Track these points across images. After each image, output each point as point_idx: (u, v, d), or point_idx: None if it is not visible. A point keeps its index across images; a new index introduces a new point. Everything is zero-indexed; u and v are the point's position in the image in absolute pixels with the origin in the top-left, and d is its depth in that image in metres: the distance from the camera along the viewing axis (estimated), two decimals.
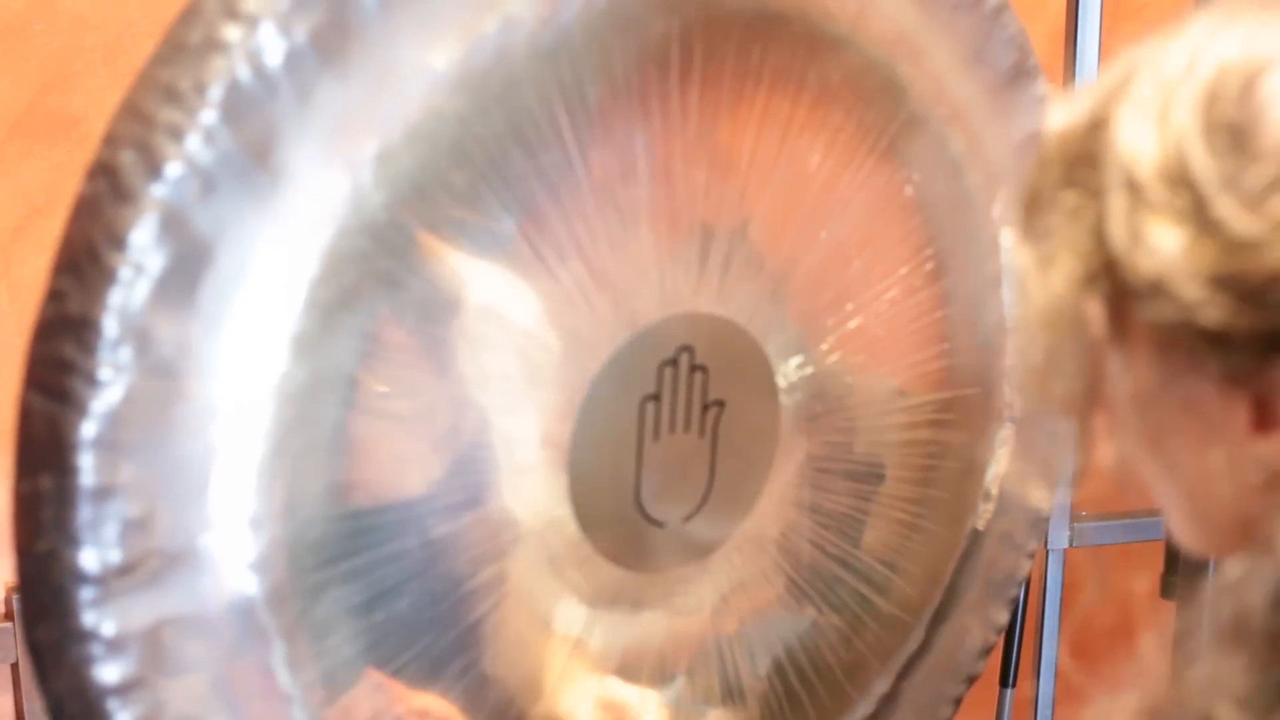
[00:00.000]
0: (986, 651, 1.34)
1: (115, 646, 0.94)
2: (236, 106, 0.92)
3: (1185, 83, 0.70)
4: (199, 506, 0.95)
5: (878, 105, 1.17)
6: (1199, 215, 0.68)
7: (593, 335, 1.08)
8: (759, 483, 1.19)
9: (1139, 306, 0.70)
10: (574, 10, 1.01)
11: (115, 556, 0.93)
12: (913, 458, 1.25)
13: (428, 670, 1.06)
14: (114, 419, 0.91)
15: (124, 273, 0.91)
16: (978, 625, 1.32)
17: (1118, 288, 0.71)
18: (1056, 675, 1.83)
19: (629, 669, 1.16)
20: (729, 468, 1.17)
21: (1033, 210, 0.74)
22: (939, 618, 1.30)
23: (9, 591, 1.61)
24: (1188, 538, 0.77)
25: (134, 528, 0.93)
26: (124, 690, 0.94)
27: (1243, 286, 0.67)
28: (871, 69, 1.16)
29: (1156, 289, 0.69)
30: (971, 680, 1.35)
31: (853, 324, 1.21)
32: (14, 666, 1.62)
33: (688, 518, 1.16)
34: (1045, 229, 0.73)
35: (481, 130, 1.00)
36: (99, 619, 0.93)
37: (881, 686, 1.28)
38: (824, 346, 1.19)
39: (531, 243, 1.04)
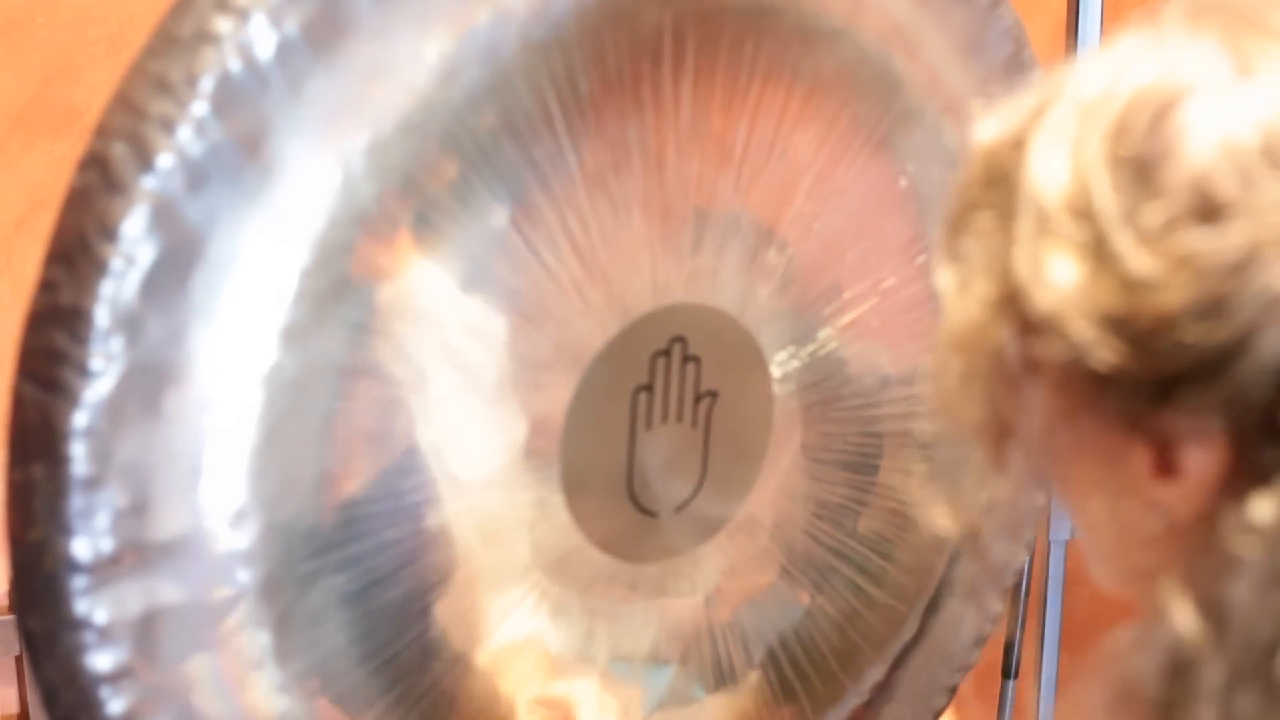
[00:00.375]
0: (982, 641, 1.35)
1: (107, 635, 0.94)
2: (228, 98, 0.92)
3: (1099, 109, 0.68)
4: (190, 496, 0.95)
5: (872, 97, 1.17)
6: (1098, 250, 0.67)
7: (585, 326, 1.09)
8: (752, 473, 1.19)
9: (1035, 341, 0.69)
10: (566, 2, 1.02)
11: (107, 545, 0.93)
12: (907, 448, 1.25)
13: (420, 659, 1.07)
14: (105, 408, 0.92)
15: (115, 263, 0.91)
16: (973, 615, 1.33)
17: (1022, 318, 0.69)
18: (1059, 667, 1.84)
19: (621, 657, 1.17)
20: (722, 458, 1.17)
21: (954, 229, 0.72)
22: (933, 607, 1.30)
23: (11, 585, 1.62)
24: (1098, 573, 0.75)
25: (125, 517, 0.94)
26: (116, 679, 0.95)
27: (1133, 329, 0.66)
28: (866, 61, 1.16)
29: (1050, 325, 0.67)
30: (967, 669, 1.35)
31: (848, 315, 1.21)
32: (18, 659, 1.63)
33: (680, 508, 1.16)
34: (964, 249, 0.71)
35: (473, 121, 1.00)
36: (91, 607, 0.94)
37: (876, 675, 1.29)
38: (819, 337, 1.19)
39: (523, 234, 1.05)
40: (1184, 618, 0.67)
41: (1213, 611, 0.66)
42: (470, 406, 1.06)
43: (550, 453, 1.09)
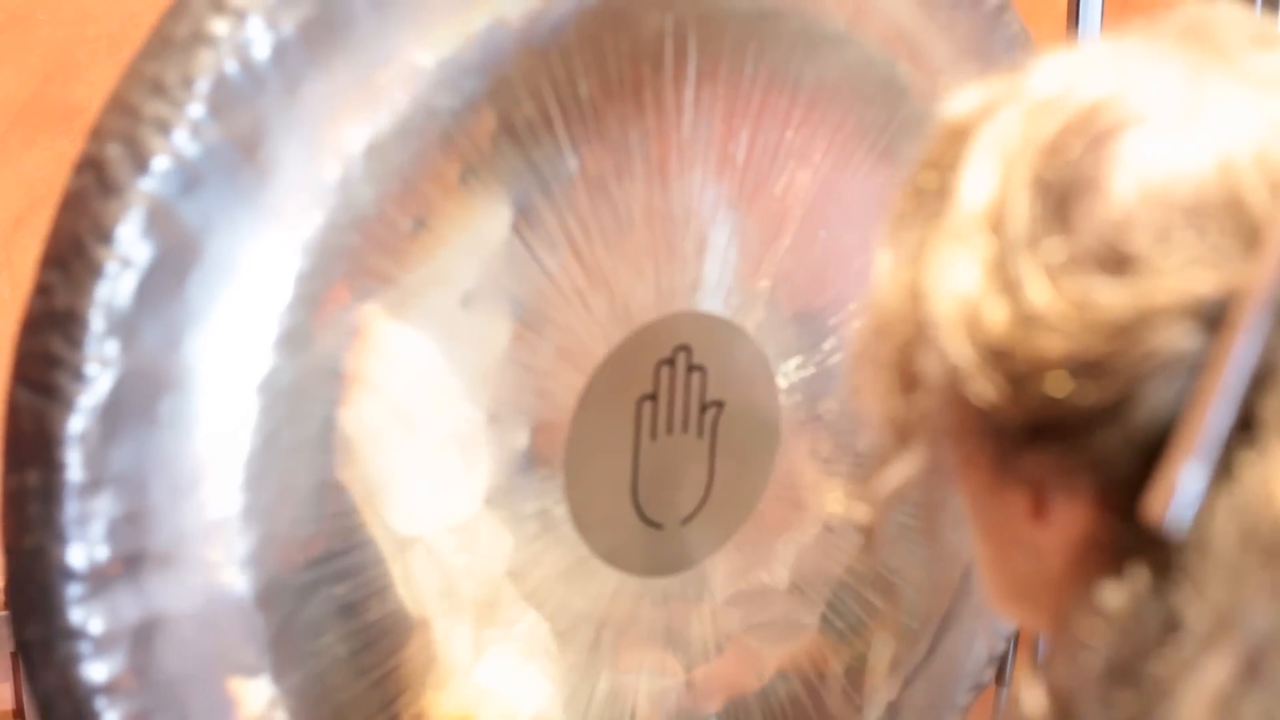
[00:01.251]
0: (995, 659, 1.33)
1: (103, 644, 0.93)
2: (223, 100, 0.92)
3: (1043, 119, 0.64)
4: (187, 503, 0.94)
5: (877, 104, 1.16)
6: (999, 271, 0.62)
7: (587, 334, 1.08)
8: (760, 484, 1.18)
9: (925, 352, 0.65)
10: (566, 6, 1.01)
11: (103, 553, 0.92)
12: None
13: (421, 670, 1.05)
14: (101, 414, 0.91)
15: (110, 267, 0.90)
16: (984, 633, 1.31)
17: (920, 322, 0.65)
18: None
19: (626, 671, 1.15)
20: (728, 469, 1.16)
21: (898, 207, 0.68)
22: (945, 625, 1.28)
23: (6, 593, 1.60)
24: (987, 594, 0.72)
25: (121, 524, 0.93)
26: (112, 689, 0.94)
27: (1012, 367, 0.62)
28: (870, 67, 1.15)
29: (936, 338, 0.64)
30: (980, 688, 1.33)
31: (855, 324, 1.20)
32: (13, 655, 1.61)
33: (686, 519, 1.15)
34: (902, 230, 0.67)
35: (472, 125, 1.00)
36: (86, 616, 0.93)
37: (888, 694, 1.27)
38: (825, 347, 1.18)
39: (524, 239, 1.04)
40: (1033, 703, 0.63)
41: (1060, 700, 0.63)
42: (472, 414, 1.05)
43: (553, 462, 1.08)
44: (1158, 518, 0.60)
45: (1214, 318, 0.60)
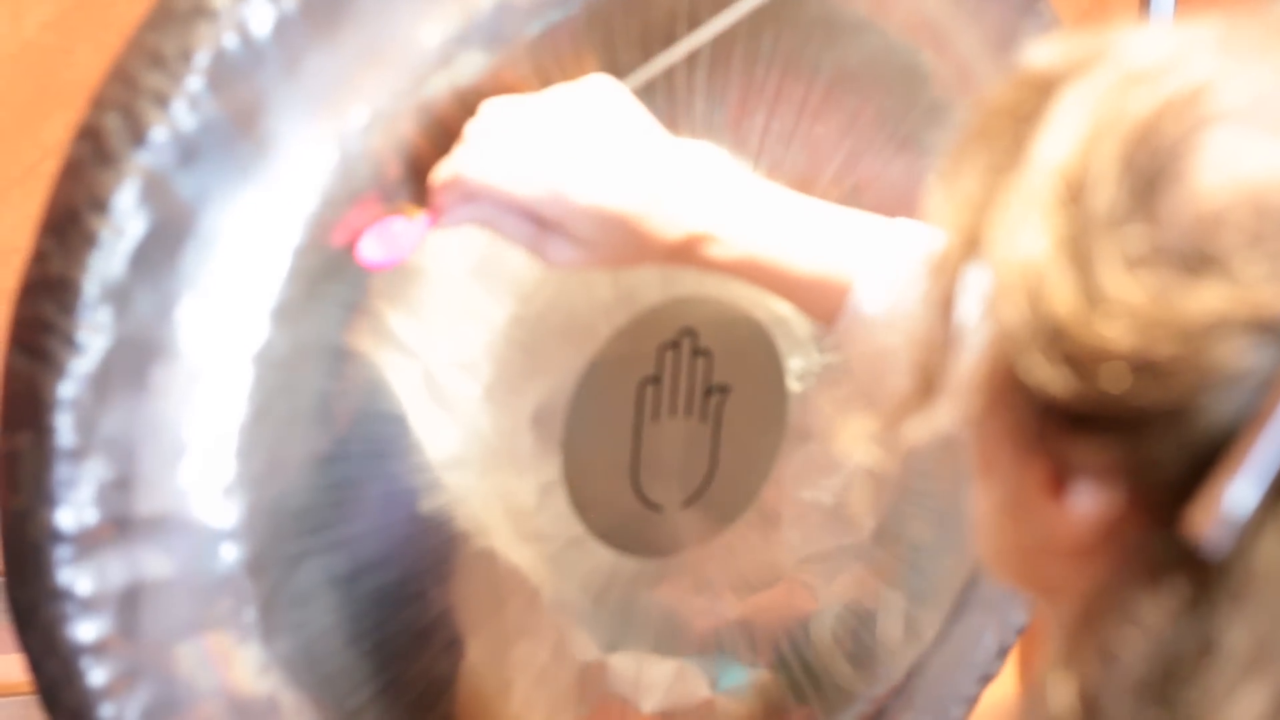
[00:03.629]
0: (1005, 651, 1.32)
1: (89, 606, 0.95)
2: (223, 73, 0.92)
3: (1139, 91, 0.61)
4: (177, 470, 0.95)
5: (898, 92, 1.15)
6: (1073, 244, 0.60)
7: (590, 314, 1.08)
8: (764, 470, 1.18)
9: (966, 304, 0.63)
10: None
11: (91, 517, 0.94)
12: (929, 450, 1.22)
13: (411, 644, 1.06)
14: (92, 380, 0.92)
15: (104, 236, 0.92)
16: (994, 625, 1.30)
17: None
18: None
19: (625, 651, 1.16)
20: (732, 454, 1.16)
21: (962, 148, 0.66)
22: (955, 614, 1.28)
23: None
24: (978, 551, 0.70)
25: (111, 489, 0.94)
26: (98, 650, 0.95)
27: (1068, 347, 0.60)
28: (892, 54, 1.14)
29: (993, 295, 0.61)
30: (988, 679, 1.33)
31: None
32: None
33: (687, 502, 1.15)
34: (963, 173, 0.65)
35: (476, 104, 0.99)
36: (73, 578, 0.94)
37: (892, 680, 1.26)
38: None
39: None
40: (1061, 702, 0.62)
41: (1089, 706, 0.61)
42: (469, 392, 1.05)
43: (552, 441, 1.08)
44: (1200, 533, 0.59)
45: None
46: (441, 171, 0.98)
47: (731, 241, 1.00)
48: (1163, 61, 0.62)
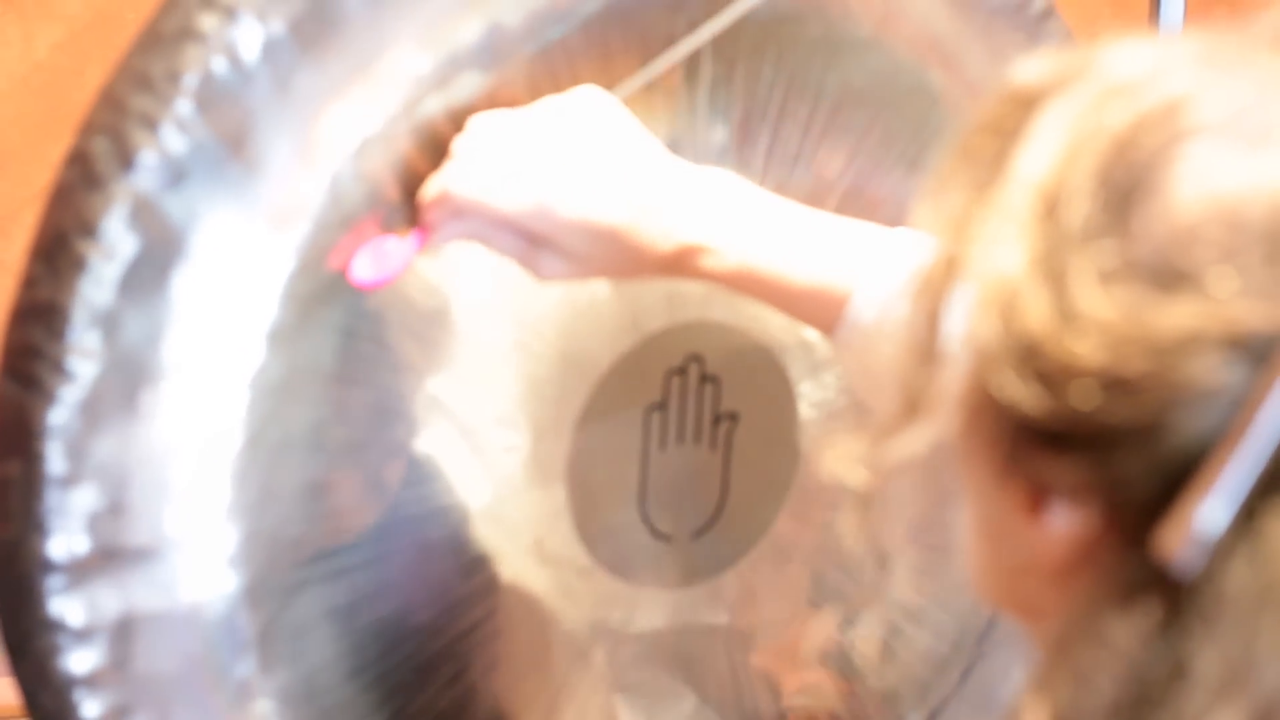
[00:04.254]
0: None
1: (83, 637, 0.94)
2: (211, 96, 0.92)
3: (1118, 105, 0.60)
4: (169, 498, 0.95)
5: (906, 111, 1.14)
6: (1047, 260, 0.59)
7: (593, 340, 1.07)
8: (777, 499, 1.16)
9: (947, 324, 0.62)
10: (570, 6, 1.00)
11: (82, 546, 0.93)
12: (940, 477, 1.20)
13: (413, 677, 1.05)
14: (82, 407, 0.92)
15: (94, 260, 0.92)
16: (1022, 661, 1.27)
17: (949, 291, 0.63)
18: None
19: (636, 688, 1.14)
20: (744, 482, 1.14)
21: (946, 167, 0.65)
22: (979, 652, 1.25)
23: None
24: (969, 580, 0.69)
25: (102, 517, 0.93)
26: (93, 681, 0.95)
27: (1039, 364, 0.59)
28: (899, 73, 1.13)
29: (966, 315, 0.61)
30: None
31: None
32: None
33: (698, 533, 1.13)
34: (947, 191, 0.64)
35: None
36: (65, 608, 0.94)
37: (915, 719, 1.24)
38: None
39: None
40: None
41: None
42: (470, 420, 1.04)
43: (556, 470, 1.07)
44: (1169, 554, 0.58)
45: (1262, 354, 0.57)
46: (429, 188, 0.98)
47: (726, 252, 0.99)
48: (1141, 76, 0.61)
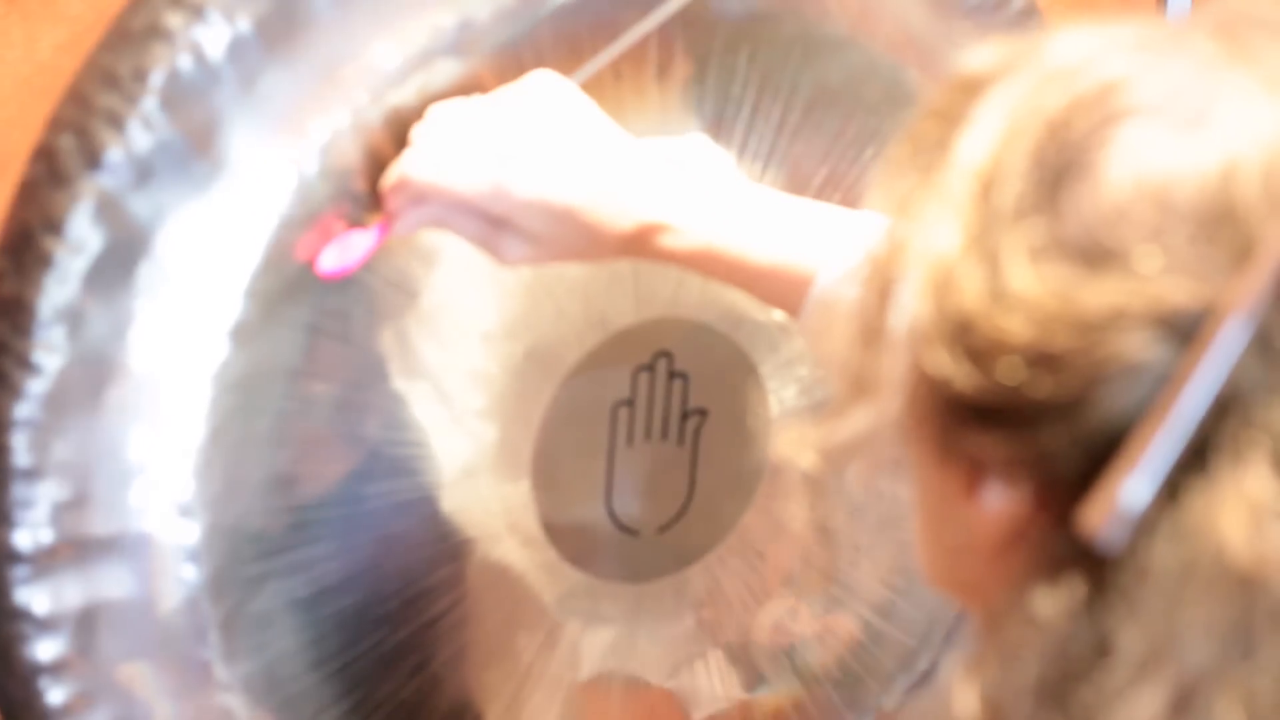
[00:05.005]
0: None
1: (47, 626, 0.96)
2: (177, 93, 0.94)
3: (1054, 88, 0.61)
4: (133, 491, 0.97)
5: (882, 111, 1.14)
6: (980, 239, 0.60)
7: (560, 336, 1.08)
8: (747, 495, 1.17)
9: (887, 306, 0.63)
10: (539, 4, 1.01)
11: (46, 537, 0.95)
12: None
13: (377, 667, 1.07)
14: (46, 400, 0.94)
15: (59, 256, 0.93)
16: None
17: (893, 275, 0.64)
18: None
19: (600, 681, 1.16)
20: (712, 478, 1.15)
21: (897, 152, 0.66)
22: (948, 644, 1.27)
23: None
24: (918, 568, 0.71)
25: (66, 509, 0.95)
26: (56, 670, 0.97)
27: (970, 341, 0.60)
28: (875, 73, 1.14)
29: (903, 295, 0.62)
30: None
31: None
32: None
33: (664, 528, 1.15)
34: (892, 178, 0.65)
35: None
36: (30, 598, 0.96)
37: (881, 710, 1.25)
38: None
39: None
40: (965, 706, 0.62)
41: (991, 710, 0.61)
42: (435, 414, 1.06)
43: (521, 465, 1.08)
44: (1093, 530, 0.59)
45: (1187, 331, 0.58)
46: (389, 175, 0.99)
47: (687, 231, 0.99)
48: (1080, 60, 0.62)
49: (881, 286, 0.64)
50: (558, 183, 0.98)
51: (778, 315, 1.13)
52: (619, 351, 1.10)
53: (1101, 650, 0.59)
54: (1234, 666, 0.58)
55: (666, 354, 1.12)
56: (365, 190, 0.99)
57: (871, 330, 0.65)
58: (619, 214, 0.98)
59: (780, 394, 1.17)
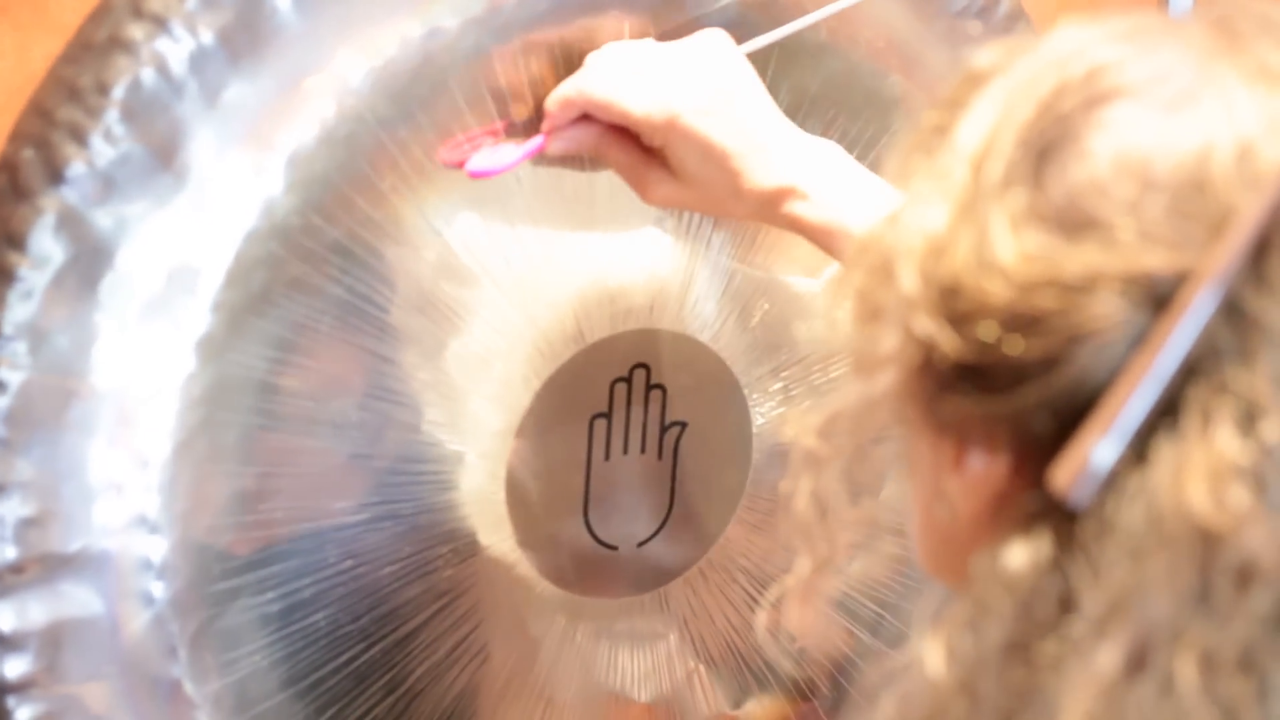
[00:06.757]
0: None
1: (12, 644, 0.98)
2: (139, 106, 0.95)
3: (1047, 74, 0.66)
4: (97, 507, 0.98)
5: (864, 116, 1.16)
6: (969, 210, 0.65)
7: (534, 349, 1.09)
8: (728, 509, 1.18)
9: (884, 282, 0.67)
10: (509, 12, 1.02)
11: (10, 553, 0.97)
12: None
13: (351, 684, 1.08)
14: (9, 416, 0.95)
15: (21, 270, 0.95)
16: None
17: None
18: None
19: (582, 699, 1.17)
20: (693, 492, 1.16)
21: (905, 141, 0.71)
22: None
23: None
24: (915, 554, 0.74)
25: (29, 526, 0.97)
26: (22, 688, 0.98)
27: (956, 306, 0.64)
28: (855, 78, 1.15)
29: (895, 267, 0.66)
30: None
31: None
32: None
33: (643, 542, 1.16)
34: (903, 164, 0.70)
35: (406, 135, 1.02)
36: None
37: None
38: (801, 369, 1.18)
39: (468, 250, 1.06)
40: (932, 661, 0.65)
41: (960, 667, 0.64)
42: (405, 430, 1.07)
43: (495, 479, 1.09)
44: (1063, 487, 0.62)
45: (1161, 298, 0.62)
46: (561, 89, 1.05)
47: (822, 203, 1.04)
48: (1073, 48, 0.67)
49: (880, 264, 0.69)
50: (721, 126, 1.04)
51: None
52: (596, 364, 1.11)
53: (1065, 606, 0.63)
54: (1193, 624, 0.61)
55: (644, 366, 1.13)
56: (523, 110, 1.05)
57: (870, 308, 0.69)
58: (765, 172, 1.04)
59: (761, 407, 1.18)
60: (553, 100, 1.05)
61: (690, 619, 1.19)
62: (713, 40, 1.07)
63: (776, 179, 1.03)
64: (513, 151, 1.04)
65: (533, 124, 1.06)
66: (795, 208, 1.04)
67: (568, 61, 1.06)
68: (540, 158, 1.06)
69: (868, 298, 0.69)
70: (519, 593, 1.13)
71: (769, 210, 1.04)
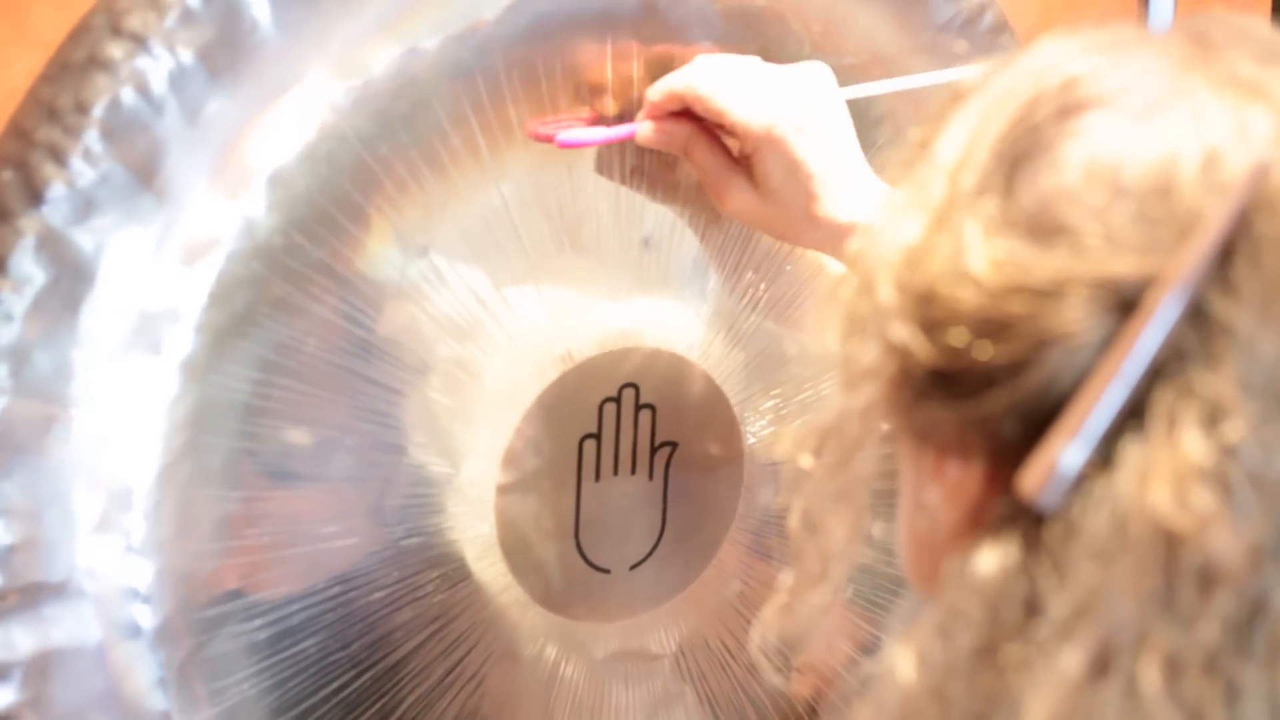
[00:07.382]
0: None
1: None
2: (119, 125, 0.95)
3: (1023, 86, 0.68)
4: (82, 534, 0.98)
5: None
6: (944, 219, 0.66)
7: (521, 370, 1.09)
8: (721, 529, 1.18)
9: (864, 295, 0.68)
10: (491, 29, 1.03)
11: None
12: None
13: (341, 713, 1.07)
14: None
15: (1, 293, 0.94)
16: None
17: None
18: None
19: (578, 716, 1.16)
20: (685, 513, 1.16)
21: (895, 158, 0.73)
22: None
23: None
24: (903, 566, 0.74)
25: (12, 554, 0.96)
26: (9, 719, 0.97)
27: (929, 313, 0.65)
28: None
29: (873, 277, 0.67)
30: None
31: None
32: None
33: (636, 565, 1.15)
34: (899, 177, 0.72)
35: (388, 153, 1.02)
36: None
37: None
38: (792, 386, 1.18)
39: (450, 269, 1.06)
40: (903, 667, 0.65)
41: (930, 672, 0.64)
42: (391, 453, 1.07)
43: (484, 502, 1.09)
44: (1031, 491, 0.63)
45: (1128, 302, 0.63)
46: (667, 80, 1.07)
47: None
48: (1050, 61, 0.68)
49: (863, 278, 0.70)
50: (812, 147, 1.07)
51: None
52: (583, 384, 1.11)
53: (1032, 610, 0.64)
54: (1157, 627, 0.61)
55: (633, 385, 1.13)
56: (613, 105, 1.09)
57: (854, 322, 0.70)
58: (843, 204, 1.07)
59: (752, 425, 1.18)
60: (656, 90, 1.08)
61: (684, 642, 1.19)
62: (816, 70, 1.10)
63: (853, 213, 1.06)
64: (603, 131, 1.08)
65: (622, 119, 1.10)
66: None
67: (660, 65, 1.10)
68: (623, 145, 1.10)
69: (852, 312, 0.70)
70: (511, 617, 1.12)
71: (838, 242, 1.05)
